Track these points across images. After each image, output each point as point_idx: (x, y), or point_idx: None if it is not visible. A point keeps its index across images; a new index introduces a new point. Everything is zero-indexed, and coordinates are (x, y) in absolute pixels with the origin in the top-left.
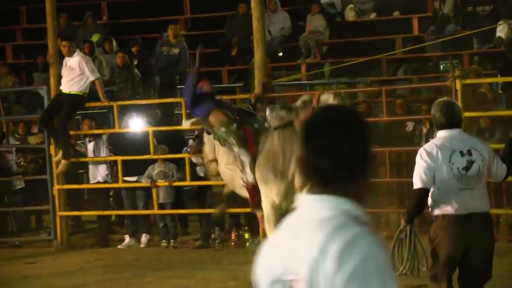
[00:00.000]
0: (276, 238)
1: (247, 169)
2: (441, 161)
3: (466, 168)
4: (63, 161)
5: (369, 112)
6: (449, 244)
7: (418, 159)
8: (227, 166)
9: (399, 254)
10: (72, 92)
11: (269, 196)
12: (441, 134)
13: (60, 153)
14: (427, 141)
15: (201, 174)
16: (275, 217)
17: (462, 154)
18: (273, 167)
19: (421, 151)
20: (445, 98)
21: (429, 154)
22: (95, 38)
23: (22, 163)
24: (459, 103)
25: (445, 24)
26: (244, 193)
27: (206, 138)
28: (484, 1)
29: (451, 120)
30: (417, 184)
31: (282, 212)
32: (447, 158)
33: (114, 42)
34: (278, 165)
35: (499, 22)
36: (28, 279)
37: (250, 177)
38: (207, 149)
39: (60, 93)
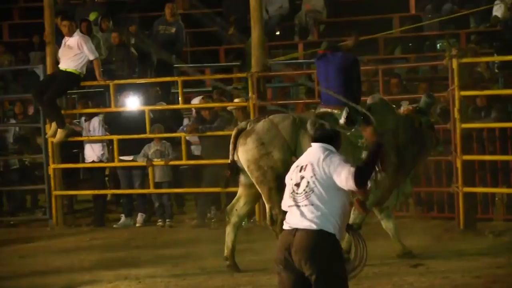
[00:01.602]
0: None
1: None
2: (287, 177)
3: (298, 185)
4: (59, 131)
5: (366, 91)
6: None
7: None
8: None
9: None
10: (68, 70)
11: None
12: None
13: (52, 127)
14: None
15: (196, 153)
16: None
17: (300, 169)
18: None
19: None
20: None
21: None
22: (92, 16)
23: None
24: (455, 82)
25: (442, 3)
26: None
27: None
28: None
29: (318, 135)
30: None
31: None
32: (290, 174)
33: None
34: None
35: (496, 2)
36: (23, 258)
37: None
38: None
39: (57, 70)
